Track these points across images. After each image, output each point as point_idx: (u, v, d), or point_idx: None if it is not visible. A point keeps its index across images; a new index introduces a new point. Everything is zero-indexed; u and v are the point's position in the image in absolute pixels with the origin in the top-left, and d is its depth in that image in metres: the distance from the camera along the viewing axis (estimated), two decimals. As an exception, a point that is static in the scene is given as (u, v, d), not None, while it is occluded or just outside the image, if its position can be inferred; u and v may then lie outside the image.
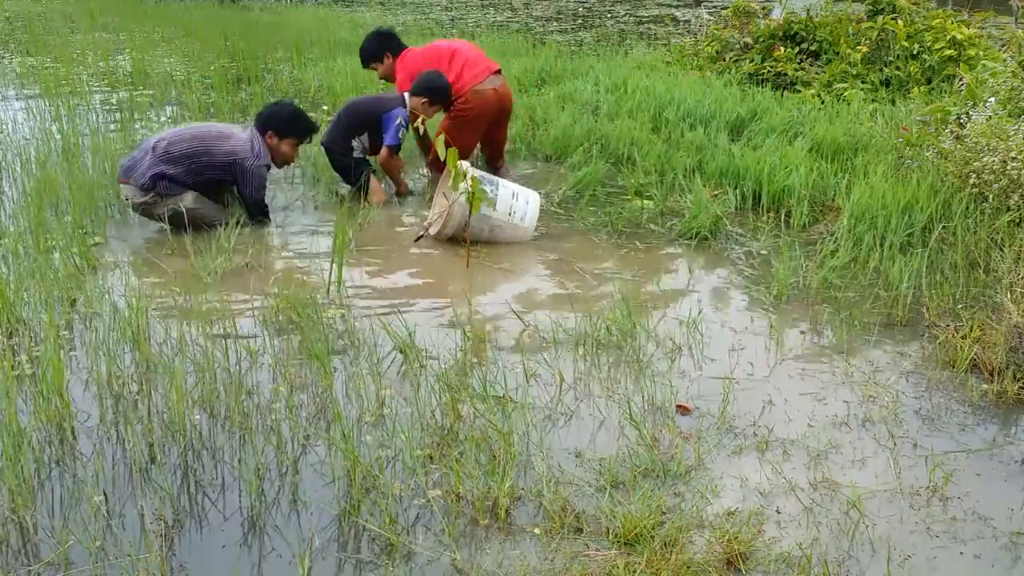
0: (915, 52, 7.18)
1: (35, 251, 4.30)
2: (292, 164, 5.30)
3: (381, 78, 5.81)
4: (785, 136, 5.81)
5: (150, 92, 8.13)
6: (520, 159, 6.16)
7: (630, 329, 3.62)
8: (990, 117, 4.67)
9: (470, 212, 4.43)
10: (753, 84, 7.35)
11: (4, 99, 8.24)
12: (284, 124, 4.87)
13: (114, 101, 7.77)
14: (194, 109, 7.14)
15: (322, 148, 5.34)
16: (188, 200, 4.70)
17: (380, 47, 5.68)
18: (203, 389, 3.14)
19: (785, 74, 7.38)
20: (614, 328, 3.62)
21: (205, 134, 4.78)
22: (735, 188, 5.11)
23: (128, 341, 3.47)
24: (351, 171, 5.30)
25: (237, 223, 4.62)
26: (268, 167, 4.86)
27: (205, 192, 4.80)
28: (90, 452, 2.83)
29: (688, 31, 11.77)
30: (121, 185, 4.78)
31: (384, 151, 5.23)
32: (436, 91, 5.23)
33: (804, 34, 7.71)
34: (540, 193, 5.04)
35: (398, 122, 5.16)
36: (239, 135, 4.81)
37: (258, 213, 4.87)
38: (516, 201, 4.70)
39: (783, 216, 4.84)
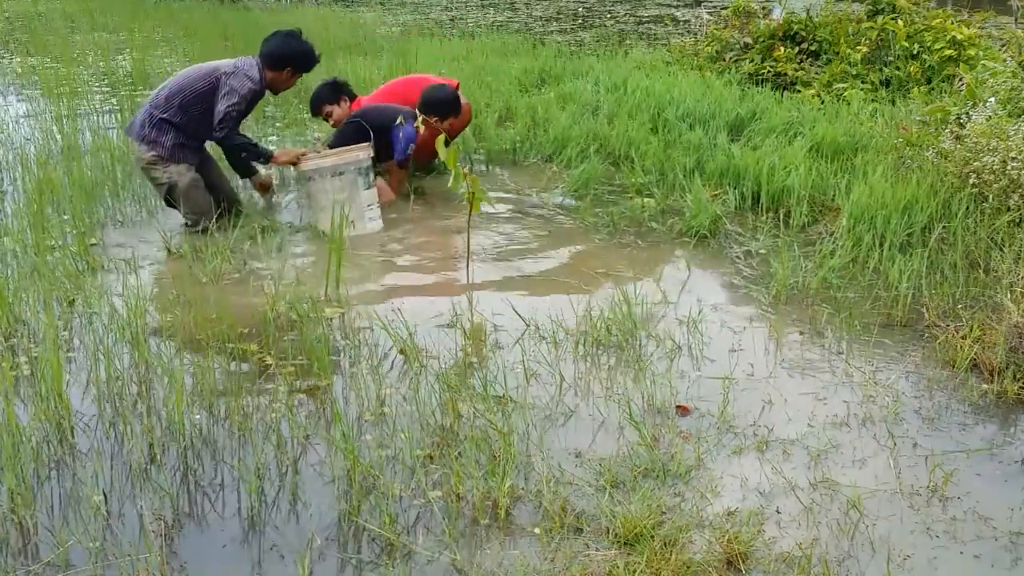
0: (915, 52, 7.18)
1: (35, 251, 4.30)
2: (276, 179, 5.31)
3: (335, 123, 5.54)
4: (785, 136, 5.81)
5: (150, 92, 8.12)
6: (522, 159, 6.16)
7: (630, 329, 3.62)
8: (990, 117, 4.67)
9: (470, 212, 4.41)
10: (753, 84, 7.35)
11: (4, 99, 8.24)
12: (295, 58, 4.82)
13: (114, 101, 7.77)
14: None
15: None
16: (185, 180, 4.68)
17: (336, 91, 5.60)
18: (203, 389, 3.14)
19: (785, 74, 7.38)
20: (614, 328, 3.62)
21: (190, 73, 4.80)
22: (735, 188, 5.11)
23: (127, 342, 3.46)
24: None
25: (234, 226, 4.61)
26: (255, 91, 4.74)
27: (203, 166, 4.78)
28: (90, 452, 2.83)
29: (688, 31, 11.77)
30: (133, 143, 4.83)
31: (393, 166, 5.23)
32: (444, 104, 5.19)
33: (804, 34, 7.71)
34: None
35: (407, 137, 5.05)
36: (228, 60, 4.79)
37: (223, 127, 4.65)
38: (376, 207, 4.91)
39: (783, 216, 4.84)
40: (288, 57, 4.81)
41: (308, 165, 4.82)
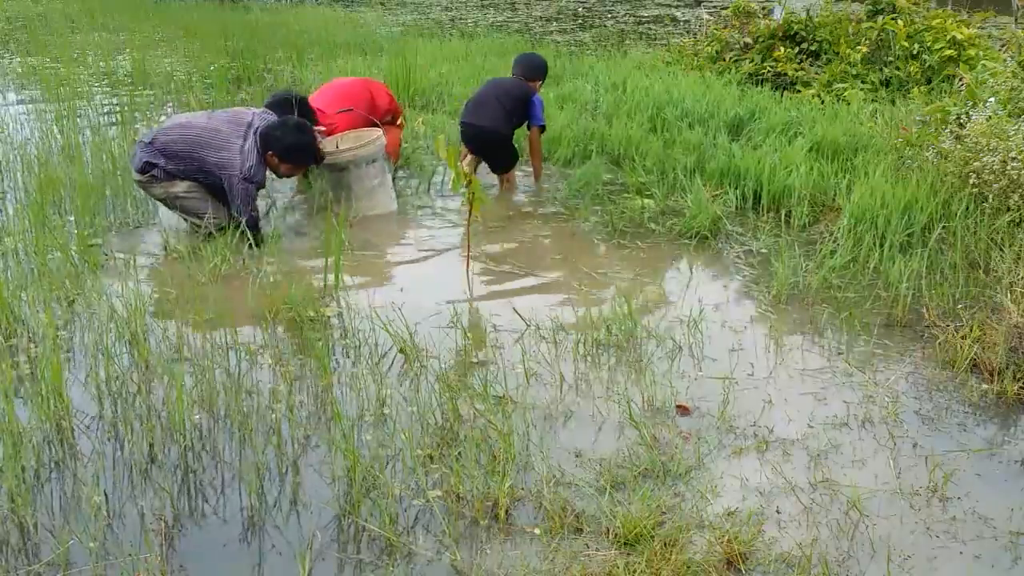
0: (915, 52, 7.18)
1: (35, 251, 4.30)
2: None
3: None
4: (785, 136, 5.81)
5: (150, 92, 8.13)
6: (523, 159, 6.15)
7: (630, 329, 3.62)
8: (990, 117, 4.66)
9: (470, 212, 4.41)
10: (753, 84, 7.35)
11: (4, 99, 8.24)
12: (287, 152, 4.68)
13: (114, 101, 7.77)
14: (194, 109, 7.13)
15: (487, 134, 5.24)
16: (180, 188, 4.65)
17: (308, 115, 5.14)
18: (203, 389, 3.14)
19: (785, 74, 7.38)
20: (614, 328, 3.62)
21: (201, 140, 4.63)
22: (735, 188, 5.11)
23: (127, 342, 3.47)
24: (514, 157, 5.48)
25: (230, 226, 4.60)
26: (258, 185, 4.69)
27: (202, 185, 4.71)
28: (90, 452, 2.83)
29: (688, 31, 11.76)
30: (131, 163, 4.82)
31: (537, 131, 5.46)
32: (545, 68, 5.62)
33: (804, 34, 7.71)
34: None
35: (540, 103, 5.42)
36: (234, 144, 4.61)
37: (248, 228, 4.60)
38: (390, 189, 5.23)
39: (783, 216, 4.84)
40: (268, 142, 4.65)
41: (345, 155, 4.99)
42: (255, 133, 4.65)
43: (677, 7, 15.69)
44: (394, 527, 2.49)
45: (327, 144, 5.04)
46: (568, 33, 12.73)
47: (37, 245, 4.34)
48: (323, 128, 5.07)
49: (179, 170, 4.63)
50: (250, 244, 4.56)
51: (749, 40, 7.97)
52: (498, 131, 5.27)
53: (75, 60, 9.75)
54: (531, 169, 5.67)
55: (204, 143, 4.63)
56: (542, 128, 5.50)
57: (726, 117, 6.20)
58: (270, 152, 4.66)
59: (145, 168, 4.64)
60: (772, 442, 2.92)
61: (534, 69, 5.52)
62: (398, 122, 5.80)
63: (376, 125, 5.36)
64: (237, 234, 4.52)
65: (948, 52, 7.03)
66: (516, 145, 5.52)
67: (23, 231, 4.59)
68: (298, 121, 4.75)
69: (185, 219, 4.74)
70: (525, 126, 5.47)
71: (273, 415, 3.02)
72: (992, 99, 5.03)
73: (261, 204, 5.23)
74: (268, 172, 4.83)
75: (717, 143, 5.71)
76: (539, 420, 3.03)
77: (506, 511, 2.54)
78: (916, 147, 5.03)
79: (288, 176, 4.99)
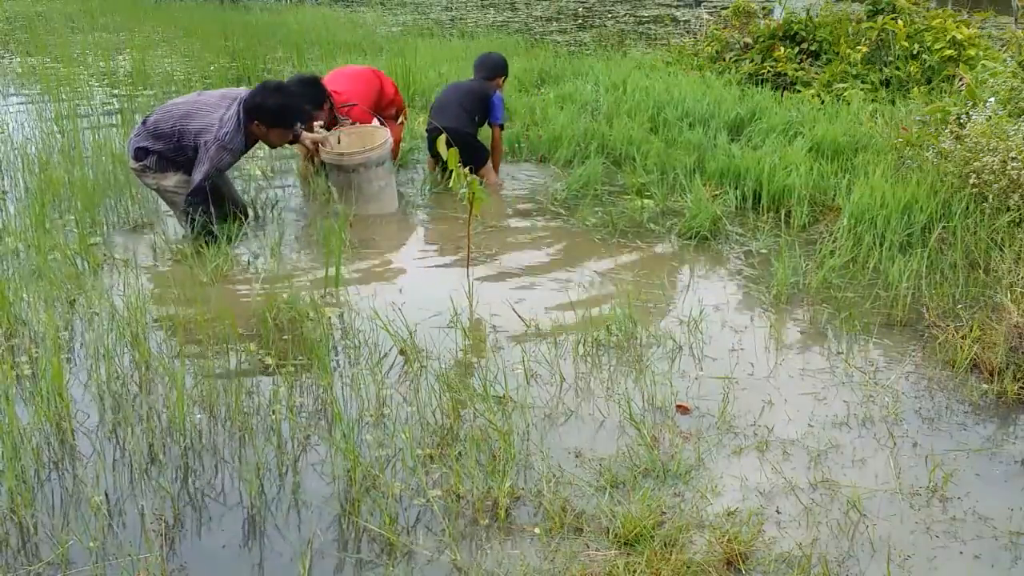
0: (915, 52, 7.18)
1: (36, 251, 4.30)
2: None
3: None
4: (785, 136, 5.81)
5: (150, 92, 8.13)
6: (520, 158, 6.16)
7: (630, 329, 3.62)
8: (990, 117, 4.67)
9: (470, 212, 4.41)
10: (753, 84, 7.35)
11: (5, 99, 8.24)
12: (270, 116, 4.54)
13: (115, 101, 7.77)
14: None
15: (450, 136, 5.06)
16: (171, 182, 4.62)
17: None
18: (203, 389, 3.14)
19: (785, 74, 7.38)
20: (614, 328, 3.62)
21: (186, 112, 4.58)
22: (735, 188, 5.11)
23: (127, 342, 3.47)
24: (484, 154, 5.54)
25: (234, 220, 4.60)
26: (232, 154, 4.58)
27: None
28: (90, 452, 2.83)
29: (688, 31, 11.76)
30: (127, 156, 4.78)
31: (498, 129, 5.58)
32: (505, 65, 5.75)
33: (804, 34, 7.71)
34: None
35: (501, 100, 5.56)
36: (215, 113, 4.54)
37: (192, 197, 4.52)
38: (394, 190, 5.34)
39: (783, 216, 4.84)
40: (251, 110, 4.54)
41: (356, 158, 5.03)
42: (238, 104, 4.57)
43: (677, 7, 15.68)
44: (394, 527, 2.49)
45: (330, 139, 5.04)
46: (568, 33, 12.73)
47: (38, 245, 4.35)
48: (345, 107, 5.10)
49: (167, 149, 4.57)
50: (205, 233, 4.48)
51: (749, 40, 7.98)
52: (461, 130, 5.27)
53: (75, 60, 9.75)
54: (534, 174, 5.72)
55: (188, 113, 4.58)
56: (501, 127, 5.62)
57: (726, 117, 6.20)
58: (255, 122, 4.56)
59: (139, 155, 4.61)
60: (772, 442, 2.92)
61: (493, 68, 5.67)
62: (400, 120, 5.81)
63: (381, 121, 5.37)
64: (237, 236, 4.52)
65: (948, 52, 7.03)
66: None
67: (24, 231, 4.59)
68: (277, 83, 4.71)
69: (178, 216, 4.73)
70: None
71: (273, 415, 3.02)
72: (992, 99, 5.02)
73: (261, 204, 5.24)
74: (260, 143, 4.77)
75: (717, 143, 5.71)
76: (539, 420, 3.04)
77: (506, 511, 2.55)
78: (916, 147, 5.03)
79: (278, 145, 4.86)
